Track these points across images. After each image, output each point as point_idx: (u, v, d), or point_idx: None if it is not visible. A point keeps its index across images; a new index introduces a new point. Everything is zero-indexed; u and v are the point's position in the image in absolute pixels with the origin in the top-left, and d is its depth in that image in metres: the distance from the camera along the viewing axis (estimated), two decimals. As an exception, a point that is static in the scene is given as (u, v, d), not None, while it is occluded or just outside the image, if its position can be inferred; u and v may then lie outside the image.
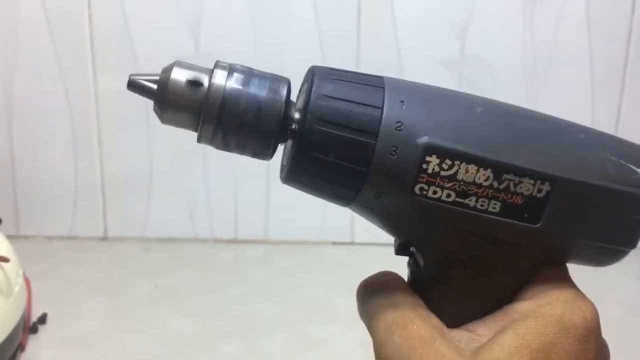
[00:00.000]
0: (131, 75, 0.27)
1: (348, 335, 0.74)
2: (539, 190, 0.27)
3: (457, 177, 0.26)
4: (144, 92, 0.27)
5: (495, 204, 0.27)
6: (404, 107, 0.26)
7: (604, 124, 0.95)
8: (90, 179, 0.99)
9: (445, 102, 0.27)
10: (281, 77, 0.28)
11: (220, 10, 0.93)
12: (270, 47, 0.94)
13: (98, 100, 0.96)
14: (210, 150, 1.04)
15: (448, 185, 0.26)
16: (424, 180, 0.26)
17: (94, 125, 0.97)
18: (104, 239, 1.01)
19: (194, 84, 0.26)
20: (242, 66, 0.27)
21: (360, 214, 0.29)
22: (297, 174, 0.27)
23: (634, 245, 0.29)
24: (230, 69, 0.26)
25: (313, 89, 0.26)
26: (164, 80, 0.26)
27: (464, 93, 0.28)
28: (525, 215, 0.27)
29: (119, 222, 1.01)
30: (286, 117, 0.27)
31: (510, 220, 0.27)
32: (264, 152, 0.27)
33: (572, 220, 0.28)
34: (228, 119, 0.26)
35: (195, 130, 0.27)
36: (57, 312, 0.77)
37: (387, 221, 0.29)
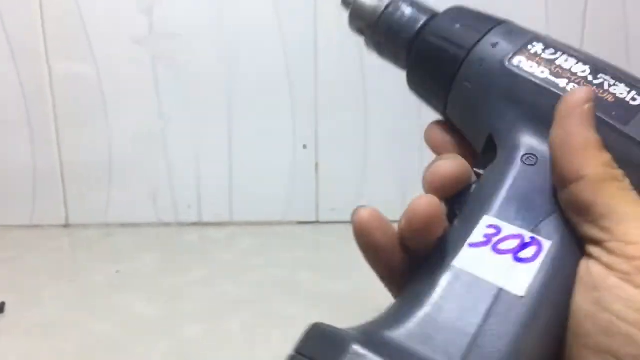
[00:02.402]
0: None
1: (311, 312, 0.75)
2: (633, 99, 0.27)
3: (556, 62, 0.29)
4: (345, 5, 0.35)
5: None
6: (506, 36, 0.30)
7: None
8: (49, 166, 0.97)
9: (565, 45, 0.30)
10: (430, 8, 0.34)
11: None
12: (229, 22, 0.93)
13: (53, 86, 0.94)
14: (170, 134, 1.03)
15: (545, 64, 0.29)
16: (525, 55, 0.29)
17: (51, 112, 0.95)
18: (66, 226, 0.99)
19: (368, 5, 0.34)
20: None
21: (457, 108, 0.32)
22: (411, 71, 0.34)
23: None
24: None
25: (440, 15, 0.33)
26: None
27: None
28: (613, 113, 0.27)
29: (80, 209, 0.99)
30: (422, 29, 0.33)
31: (595, 113, 0.27)
32: (400, 60, 0.34)
33: None
34: (381, 29, 0.34)
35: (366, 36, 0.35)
36: (17, 301, 0.77)
37: (475, 106, 0.31)
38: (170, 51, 0.94)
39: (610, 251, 0.24)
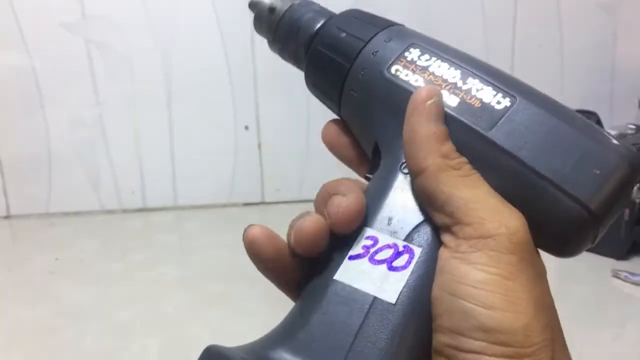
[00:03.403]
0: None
1: (249, 290, 0.75)
2: (498, 102, 0.28)
3: (429, 69, 0.30)
4: (251, 8, 0.36)
5: (453, 100, 0.29)
6: (387, 42, 0.31)
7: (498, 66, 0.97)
8: (-14, 157, 0.96)
9: (442, 46, 0.31)
10: (327, 12, 0.35)
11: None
12: (163, 3, 0.92)
13: (-14, 75, 0.93)
14: (108, 120, 1.02)
15: (419, 72, 0.30)
16: (402, 64, 0.30)
17: (-15, 102, 0.94)
18: (7, 217, 0.98)
19: (271, 8, 0.35)
20: (304, 1, 0.36)
21: (348, 115, 0.34)
22: (307, 78, 0.35)
23: (592, 204, 0.26)
24: (295, 4, 0.35)
25: (331, 20, 0.34)
26: (258, 4, 0.36)
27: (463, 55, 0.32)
28: (479, 119, 0.28)
29: (21, 199, 0.98)
30: (314, 37, 0.34)
31: (462, 118, 0.28)
32: (300, 63, 0.35)
33: (527, 143, 0.27)
34: (281, 33, 0.35)
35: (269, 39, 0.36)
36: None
37: (361, 114, 0.32)
38: (103, 36, 0.92)
39: (454, 235, 0.26)
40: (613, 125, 0.87)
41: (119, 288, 0.78)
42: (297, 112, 0.97)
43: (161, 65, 0.94)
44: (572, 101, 1.01)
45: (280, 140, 0.99)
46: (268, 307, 0.69)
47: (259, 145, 0.98)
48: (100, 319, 0.71)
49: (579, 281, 0.77)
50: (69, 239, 0.91)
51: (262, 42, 1.04)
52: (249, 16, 1.10)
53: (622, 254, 0.80)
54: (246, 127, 0.97)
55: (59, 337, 0.68)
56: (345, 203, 0.28)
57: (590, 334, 0.67)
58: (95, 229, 0.94)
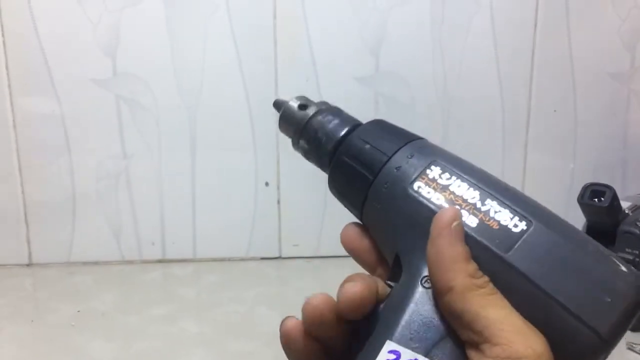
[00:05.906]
0: (277, 98, 0.38)
1: (267, 350, 0.76)
2: (515, 226, 0.29)
3: (450, 188, 0.31)
4: (276, 108, 0.38)
5: (473, 220, 0.30)
6: (409, 159, 0.33)
7: (513, 128, 0.99)
8: (12, 204, 0.98)
9: (461, 165, 0.33)
10: (352, 120, 0.36)
11: (136, 30, 0.94)
12: (191, 63, 0.95)
13: (16, 124, 0.95)
14: (133, 173, 1.04)
15: (440, 191, 0.31)
16: (424, 181, 0.32)
17: (14, 150, 0.96)
18: (29, 265, 1.00)
19: (301, 107, 0.37)
20: (331, 107, 0.37)
21: (370, 223, 0.35)
22: (330, 183, 0.37)
23: (602, 330, 0.27)
24: (321, 109, 0.36)
25: (356, 130, 0.35)
26: (284, 104, 0.37)
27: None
28: (497, 241, 0.29)
29: (43, 247, 1.00)
30: (339, 145, 0.36)
31: (481, 239, 0.30)
32: (324, 167, 0.37)
33: (542, 267, 0.28)
34: (305, 137, 0.36)
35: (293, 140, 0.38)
36: (-27, 343, 0.77)
37: (383, 225, 0.33)
38: (133, 92, 0.95)
39: (482, 352, 0.27)
40: (626, 195, 0.89)
41: (139, 343, 0.79)
42: (316, 170, 0.99)
43: (186, 121, 0.97)
44: (585, 168, 1.03)
45: (298, 197, 1.01)
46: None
47: (278, 201, 1.00)
48: (122, 376, 0.72)
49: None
50: (90, 289, 0.92)
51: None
52: (274, 75, 1.13)
53: (636, 326, 0.81)
54: (267, 184, 1.00)
55: (81, 394, 0.69)
56: (352, 289, 0.30)
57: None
58: (116, 280, 0.95)
